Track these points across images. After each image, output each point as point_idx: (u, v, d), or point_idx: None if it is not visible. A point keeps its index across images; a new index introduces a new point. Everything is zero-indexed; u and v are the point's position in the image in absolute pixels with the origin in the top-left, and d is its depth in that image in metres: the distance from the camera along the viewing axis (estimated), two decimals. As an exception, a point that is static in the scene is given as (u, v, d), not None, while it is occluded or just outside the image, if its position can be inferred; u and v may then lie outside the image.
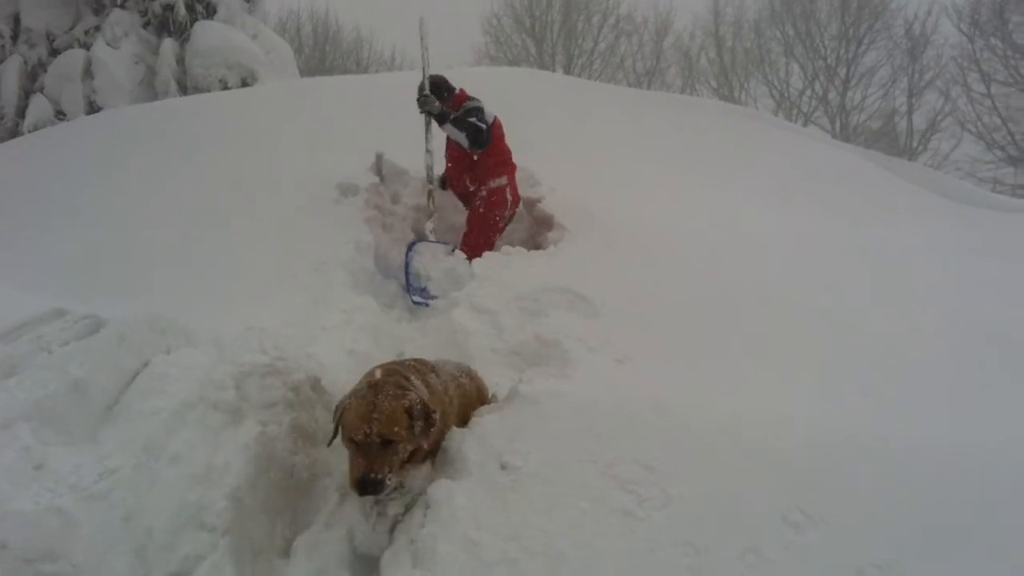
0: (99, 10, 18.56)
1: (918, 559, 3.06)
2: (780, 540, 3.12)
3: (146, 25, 18.66)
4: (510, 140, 7.48)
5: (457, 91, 7.49)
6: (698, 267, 6.38)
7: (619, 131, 11.19)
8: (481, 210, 7.22)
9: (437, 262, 6.80)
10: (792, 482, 3.43)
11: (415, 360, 3.91)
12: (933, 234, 8.95)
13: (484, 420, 3.82)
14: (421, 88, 7.29)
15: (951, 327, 5.70)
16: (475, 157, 7.17)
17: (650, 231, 7.07)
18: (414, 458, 3.47)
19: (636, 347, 4.91)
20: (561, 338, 4.93)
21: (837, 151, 13.96)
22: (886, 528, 3.20)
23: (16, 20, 18.66)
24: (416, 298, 6.62)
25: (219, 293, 5.62)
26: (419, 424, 3.32)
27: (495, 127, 7.22)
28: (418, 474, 3.53)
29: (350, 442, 3.30)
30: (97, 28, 18.25)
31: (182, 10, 18.36)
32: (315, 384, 4.23)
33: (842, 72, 35.87)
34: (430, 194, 7.46)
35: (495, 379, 4.82)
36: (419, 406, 3.32)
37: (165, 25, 18.54)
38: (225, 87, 17.08)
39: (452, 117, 7.05)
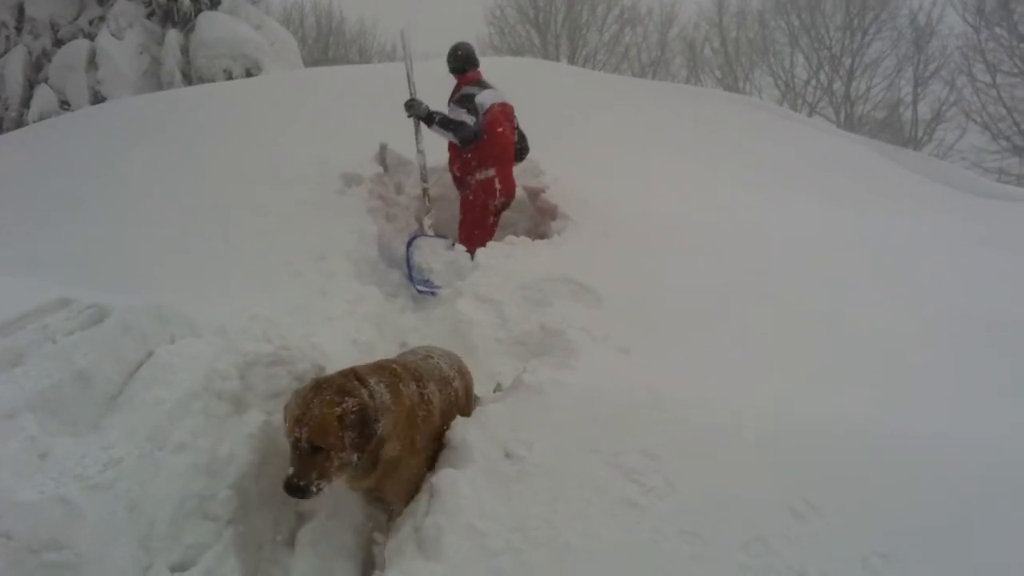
0: (103, 0, 18.55)
1: (921, 549, 3.06)
2: (784, 530, 3.11)
3: (150, 15, 18.67)
4: (516, 130, 7.47)
5: (471, 72, 7.49)
6: (702, 257, 6.37)
7: (623, 121, 11.16)
8: (471, 198, 7.28)
9: (438, 255, 6.81)
10: (795, 473, 3.42)
11: (399, 363, 3.69)
12: (939, 224, 8.92)
13: (489, 409, 3.82)
14: (408, 101, 7.32)
15: (955, 319, 5.68)
16: (467, 153, 7.25)
17: (654, 221, 7.06)
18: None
19: (639, 337, 4.91)
20: (565, 328, 4.93)
21: (842, 141, 13.92)
22: (890, 519, 3.19)
23: (20, 10, 18.68)
24: (421, 287, 6.62)
25: (222, 284, 5.61)
26: (350, 435, 3.07)
27: (492, 117, 7.17)
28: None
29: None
30: (101, 18, 18.26)
31: (186, 1, 18.34)
32: (319, 373, 4.22)
33: (847, 62, 35.85)
34: (425, 192, 7.50)
35: (499, 369, 4.83)
36: (354, 415, 3.08)
37: (169, 15, 18.54)
38: (229, 77, 17.08)
39: (438, 119, 7.14)
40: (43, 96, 17.63)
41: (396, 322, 5.89)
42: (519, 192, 7.63)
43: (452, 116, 7.16)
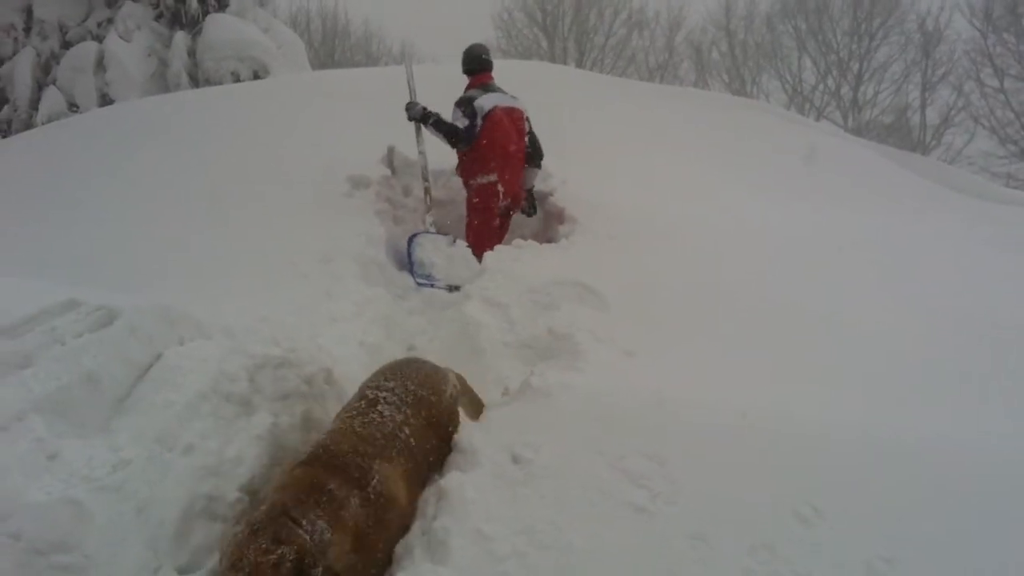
0: (112, 2, 18.60)
1: (924, 552, 3.07)
2: (790, 534, 3.12)
3: (158, 18, 18.69)
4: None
5: (480, 75, 7.48)
6: (708, 261, 6.37)
7: (631, 124, 11.14)
8: (474, 200, 7.28)
9: (439, 251, 6.83)
10: (801, 477, 3.43)
11: (335, 460, 3.25)
12: (942, 226, 8.90)
13: (496, 413, 3.83)
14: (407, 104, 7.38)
15: (958, 320, 5.68)
16: (463, 155, 7.27)
17: (662, 224, 7.06)
18: None
19: (646, 340, 4.91)
20: (573, 331, 4.94)
21: (849, 145, 13.88)
22: (893, 522, 3.20)
23: (29, 12, 18.71)
24: (420, 280, 6.64)
25: (230, 286, 5.62)
26: None
27: (491, 121, 7.13)
28: None
29: None
30: (110, 20, 18.29)
31: (194, 3, 18.38)
32: (327, 376, 4.24)
33: (855, 67, 35.73)
34: (427, 191, 7.49)
35: (506, 372, 4.82)
36: (290, 563, 2.80)
37: (177, 18, 18.56)
38: (237, 80, 17.06)
39: (432, 120, 7.15)
40: (51, 98, 17.64)
41: (404, 324, 5.90)
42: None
43: (451, 119, 7.16)
